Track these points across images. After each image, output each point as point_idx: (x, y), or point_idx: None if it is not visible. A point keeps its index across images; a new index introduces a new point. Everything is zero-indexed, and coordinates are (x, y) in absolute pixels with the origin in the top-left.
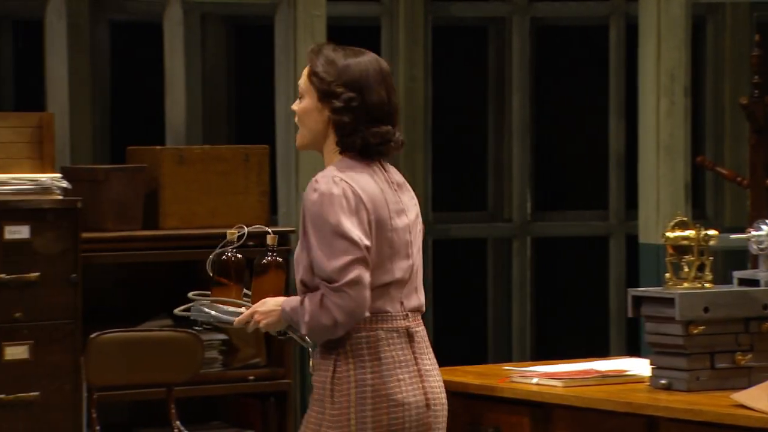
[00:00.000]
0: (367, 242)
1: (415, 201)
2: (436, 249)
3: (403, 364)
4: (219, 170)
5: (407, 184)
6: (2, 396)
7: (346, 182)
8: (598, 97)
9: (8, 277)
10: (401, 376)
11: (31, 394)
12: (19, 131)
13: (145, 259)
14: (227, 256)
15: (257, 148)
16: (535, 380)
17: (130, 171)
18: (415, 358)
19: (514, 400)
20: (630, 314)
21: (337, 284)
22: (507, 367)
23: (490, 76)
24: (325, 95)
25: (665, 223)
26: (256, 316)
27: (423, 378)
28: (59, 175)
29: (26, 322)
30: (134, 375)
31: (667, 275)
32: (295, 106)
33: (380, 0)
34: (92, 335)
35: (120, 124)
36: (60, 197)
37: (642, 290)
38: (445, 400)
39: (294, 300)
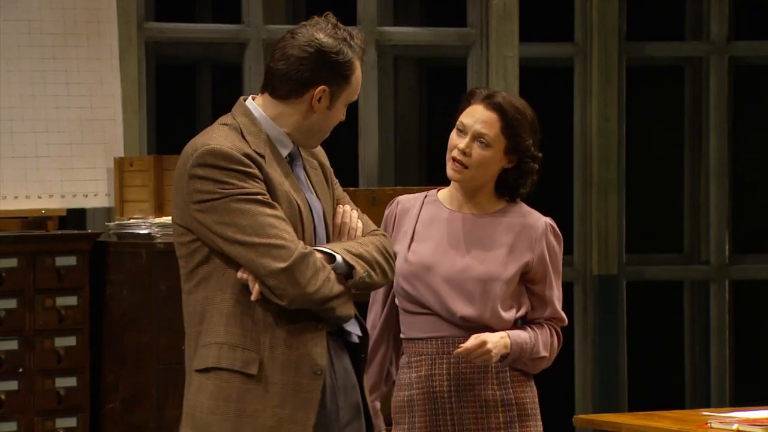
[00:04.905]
0: None
1: None
2: (630, 291)
3: None
4: None
5: None
6: None
7: None
8: None
9: None
10: None
11: None
12: None
13: None
14: None
15: None
16: (735, 426)
17: None
18: None
19: None
20: None
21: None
22: (705, 412)
23: (686, 116)
24: (514, 151)
25: None
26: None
27: None
28: None
29: None
30: None
31: None
32: (468, 148)
33: (574, 40)
34: None
35: None
36: None
37: None
38: None
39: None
